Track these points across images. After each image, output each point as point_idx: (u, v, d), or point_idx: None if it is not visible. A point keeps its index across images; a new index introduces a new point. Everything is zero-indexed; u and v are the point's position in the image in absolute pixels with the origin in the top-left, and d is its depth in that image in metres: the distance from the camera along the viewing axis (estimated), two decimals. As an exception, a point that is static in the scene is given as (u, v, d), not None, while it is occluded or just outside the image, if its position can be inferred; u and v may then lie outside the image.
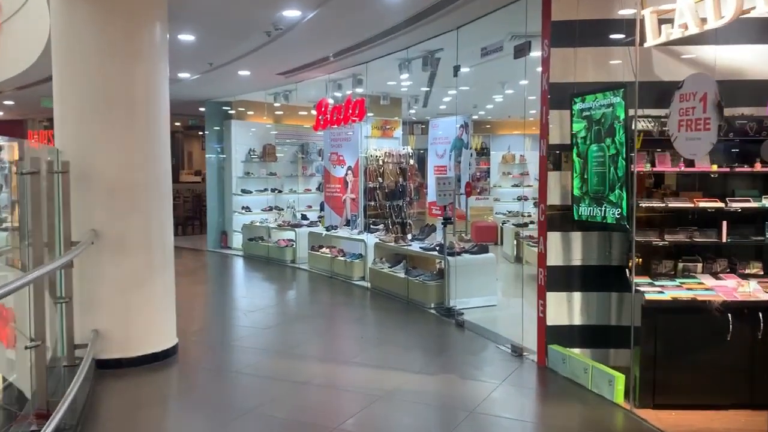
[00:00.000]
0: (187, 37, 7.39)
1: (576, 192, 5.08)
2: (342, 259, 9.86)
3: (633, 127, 4.48)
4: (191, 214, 17.04)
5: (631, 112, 4.51)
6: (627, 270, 4.71)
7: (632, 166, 4.45)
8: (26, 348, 3.84)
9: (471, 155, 8.35)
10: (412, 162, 11.58)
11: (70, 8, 5.31)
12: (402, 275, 8.27)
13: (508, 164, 15.43)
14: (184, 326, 6.25)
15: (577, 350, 5.20)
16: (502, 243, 12.63)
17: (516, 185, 14.89)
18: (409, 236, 9.17)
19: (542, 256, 5.36)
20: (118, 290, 5.42)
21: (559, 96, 5.16)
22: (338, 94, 10.65)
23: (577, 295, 5.27)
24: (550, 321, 5.30)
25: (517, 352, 5.69)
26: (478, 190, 15.12)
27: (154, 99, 5.63)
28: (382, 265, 8.79)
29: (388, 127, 11.44)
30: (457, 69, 7.11)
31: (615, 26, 4.97)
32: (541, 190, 5.41)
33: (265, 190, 13.63)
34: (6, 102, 14.15)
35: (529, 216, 13.20)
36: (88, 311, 5.32)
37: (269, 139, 13.67)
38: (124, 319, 5.46)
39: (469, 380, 5.22)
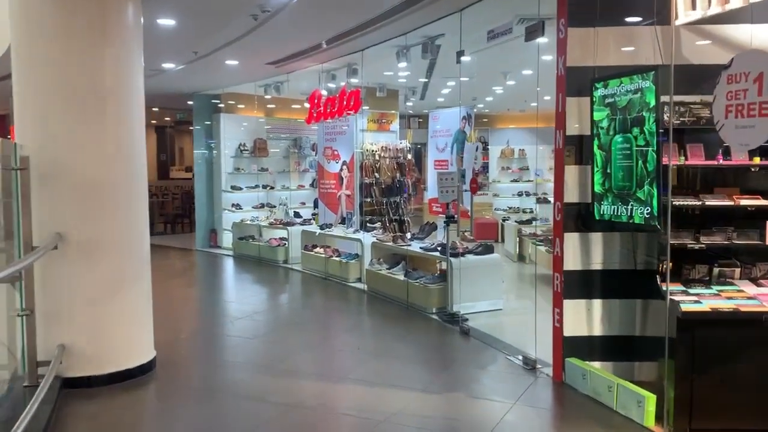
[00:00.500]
0: (166, 21, 6.80)
1: (597, 188, 4.56)
2: (337, 259, 9.33)
3: (668, 116, 3.94)
4: (180, 212, 16.54)
5: (664, 98, 3.98)
6: (657, 276, 4.20)
7: (665, 158, 3.93)
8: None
9: (477, 148, 7.75)
10: (409, 156, 11.12)
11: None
12: (401, 277, 7.74)
13: (507, 159, 14.99)
14: (163, 337, 5.70)
15: (597, 364, 4.71)
16: (503, 240, 12.15)
17: (515, 180, 14.46)
18: (409, 235, 8.64)
19: (558, 260, 4.84)
20: (87, 300, 4.88)
21: (577, 81, 4.65)
22: (332, 85, 10.10)
23: (597, 303, 4.78)
24: (568, 332, 4.79)
25: (530, 365, 5.18)
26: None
27: (127, 88, 5.09)
28: (379, 267, 8.25)
29: (384, 120, 10.95)
30: (460, 54, 6.56)
31: (641, 1, 4.45)
32: (557, 186, 4.89)
33: (256, 186, 13.13)
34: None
35: (531, 212, 12.80)
36: (53, 324, 4.79)
37: (260, 133, 13.18)
38: (94, 332, 4.91)
39: (479, 399, 4.70)
